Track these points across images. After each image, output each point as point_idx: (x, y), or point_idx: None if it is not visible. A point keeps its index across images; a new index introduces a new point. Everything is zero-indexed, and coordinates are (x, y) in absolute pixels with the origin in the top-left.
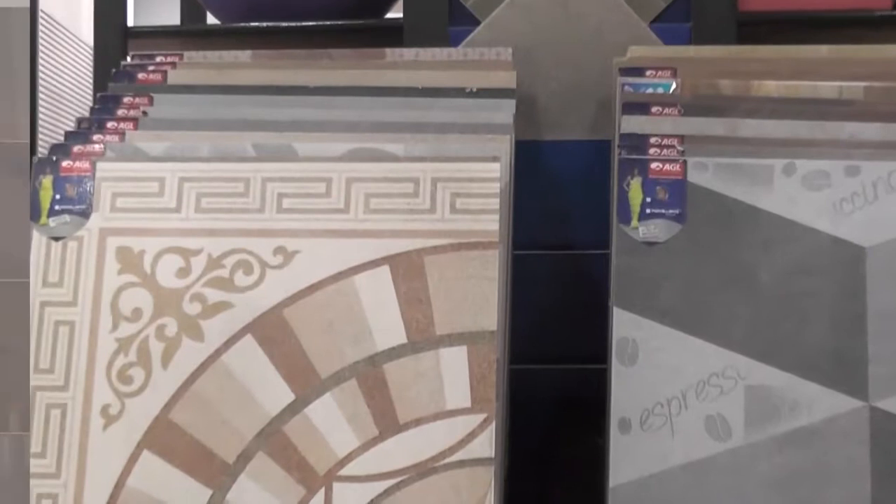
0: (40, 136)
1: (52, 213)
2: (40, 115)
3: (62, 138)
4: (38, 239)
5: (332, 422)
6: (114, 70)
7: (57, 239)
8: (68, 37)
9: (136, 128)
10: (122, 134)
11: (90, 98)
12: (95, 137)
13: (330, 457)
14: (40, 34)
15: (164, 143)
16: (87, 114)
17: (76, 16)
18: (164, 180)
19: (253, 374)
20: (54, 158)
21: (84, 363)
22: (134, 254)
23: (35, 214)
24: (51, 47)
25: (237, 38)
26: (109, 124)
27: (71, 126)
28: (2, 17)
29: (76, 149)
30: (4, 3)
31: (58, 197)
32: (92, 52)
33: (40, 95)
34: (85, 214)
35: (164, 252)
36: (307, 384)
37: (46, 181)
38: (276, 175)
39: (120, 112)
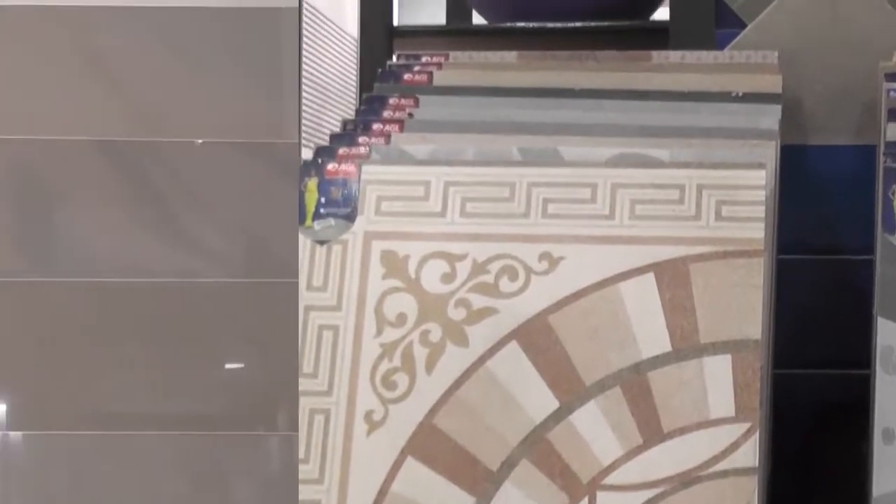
0: (304, 127)
1: (316, 216)
2: (304, 108)
3: (326, 132)
4: (303, 242)
5: (596, 429)
6: (380, 70)
7: (322, 242)
8: (333, 29)
9: (401, 130)
10: (387, 136)
11: (353, 89)
12: (361, 139)
13: (594, 465)
14: (305, 29)
15: (429, 145)
16: (349, 105)
17: (340, 6)
18: (430, 184)
19: (517, 380)
20: (319, 161)
21: (348, 368)
22: (399, 258)
23: (300, 217)
24: (315, 40)
25: (502, 38)
26: (375, 126)
27: (334, 119)
28: (272, 16)
29: (341, 151)
30: (274, 2)
31: (323, 200)
32: (355, 43)
33: (305, 88)
34: (350, 218)
35: (429, 257)
36: (571, 391)
37: (311, 184)
38: (542, 180)
39: (385, 113)
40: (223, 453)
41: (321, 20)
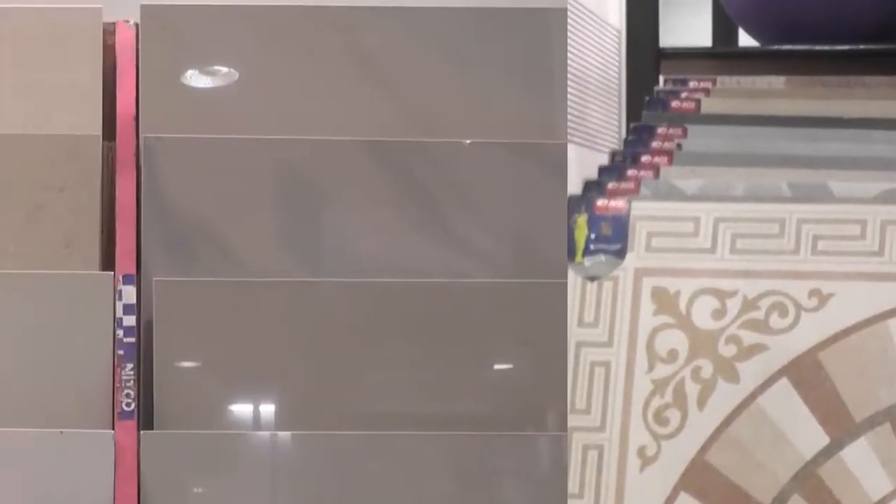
0: (568, 123)
1: (587, 252)
2: (568, 102)
3: (588, 127)
4: (573, 279)
5: (866, 465)
6: (647, 98)
7: (592, 279)
8: (595, 21)
9: (670, 162)
10: (656, 169)
11: (615, 80)
12: (629, 173)
13: (864, 500)
14: (570, 24)
15: (698, 179)
16: (611, 99)
17: None
18: (699, 220)
19: (788, 416)
20: (589, 196)
21: (620, 404)
22: (669, 294)
23: (570, 253)
24: (578, 34)
25: (770, 61)
26: (643, 158)
27: (596, 113)
28: (540, 16)
29: (610, 186)
30: (542, 3)
31: (593, 236)
32: (616, 33)
33: (569, 84)
34: (620, 254)
35: (700, 293)
36: (841, 427)
37: (581, 220)
38: (811, 216)
39: (654, 144)
40: (491, 453)
41: (585, 14)
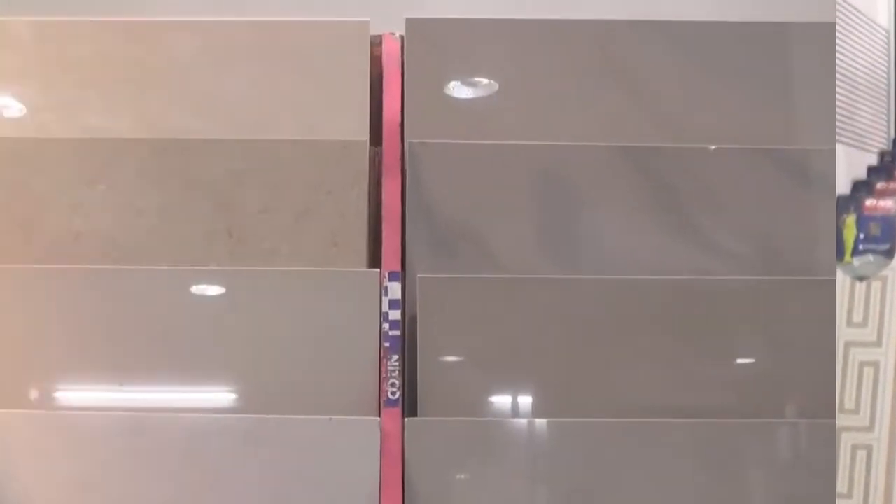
0: (837, 123)
1: (855, 252)
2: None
3: (857, 127)
4: (841, 278)
5: None
6: None
7: (861, 279)
8: (862, 20)
9: None
10: None
11: (884, 81)
12: None
13: None
14: (837, 22)
15: None
16: (880, 100)
17: None
18: None
19: None
20: (857, 196)
21: (888, 404)
22: None
23: (839, 253)
24: (846, 32)
25: None
26: None
27: (865, 113)
28: (808, 31)
29: (879, 185)
30: (811, 16)
31: (861, 236)
32: (885, 34)
33: (837, 81)
34: (889, 254)
35: None
36: None
37: (850, 219)
38: None
39: None
40: (755, 447)
41: (854, 14)
